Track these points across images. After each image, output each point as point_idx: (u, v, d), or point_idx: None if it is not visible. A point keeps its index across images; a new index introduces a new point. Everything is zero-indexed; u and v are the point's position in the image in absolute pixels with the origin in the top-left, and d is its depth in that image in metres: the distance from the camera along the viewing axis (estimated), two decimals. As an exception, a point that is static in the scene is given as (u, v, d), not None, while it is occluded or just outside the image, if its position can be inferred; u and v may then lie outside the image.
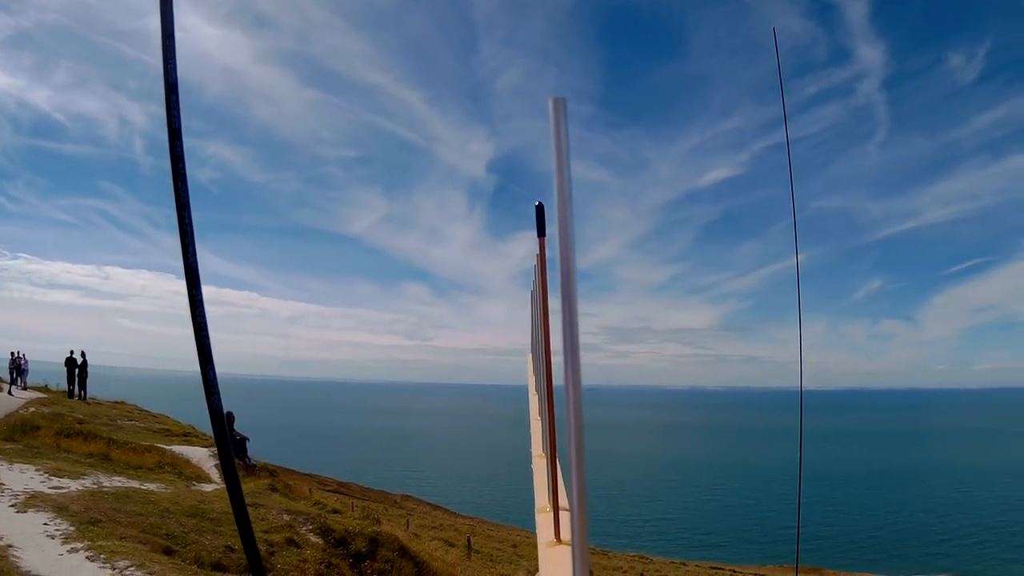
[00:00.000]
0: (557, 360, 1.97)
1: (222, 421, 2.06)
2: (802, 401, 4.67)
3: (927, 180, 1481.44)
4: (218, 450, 2.10)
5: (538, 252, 2.91)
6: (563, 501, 3.31)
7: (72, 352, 40.53)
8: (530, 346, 5.33)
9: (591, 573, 1.88)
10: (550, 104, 1.64)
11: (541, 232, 2.74)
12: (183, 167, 1.98)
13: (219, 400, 2.07)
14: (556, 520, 3.24)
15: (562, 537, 3.16)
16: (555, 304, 1.78)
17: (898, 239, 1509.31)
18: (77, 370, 40.49)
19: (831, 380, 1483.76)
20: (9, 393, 39.72)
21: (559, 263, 1.62)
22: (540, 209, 2.68)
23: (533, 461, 4.36)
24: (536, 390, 5.07)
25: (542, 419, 4.27)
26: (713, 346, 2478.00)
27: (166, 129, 2.02)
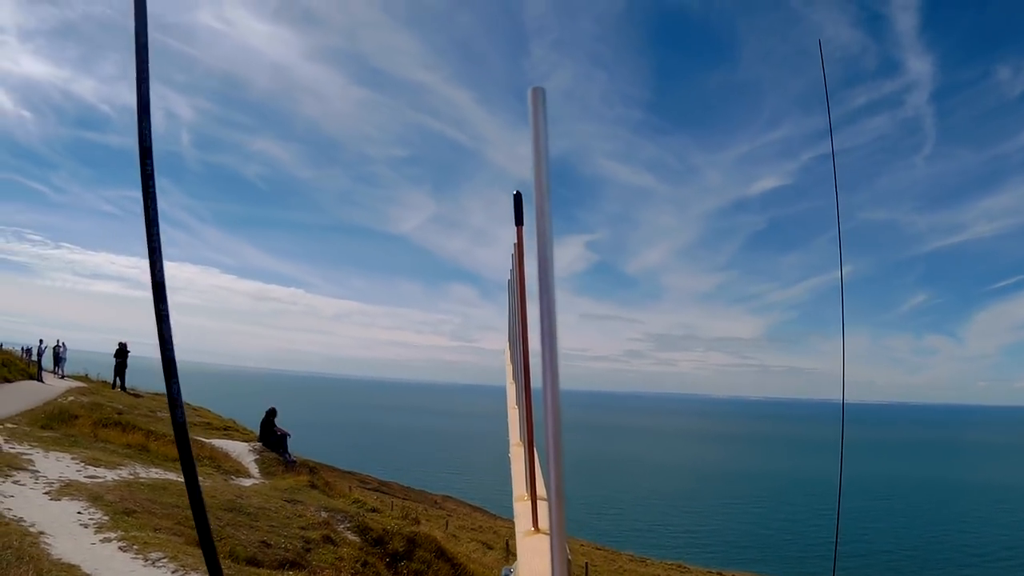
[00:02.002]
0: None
1: (185, 433, 2.13)
2: (844, 415, 4.49)
3: (973, 194, 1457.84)
4: (182, 464, 2.15)
5: (516, 241, 2.94)
6: (541, 490, 3.30)
7: (121, 344, 40.70)
8: (507, 335, 5.42)
9: (569, 562, 1.89)
10: (530, 94, 1.63)
11: (519, 221, 2.74)
12: (153, 185, 1.99)
13: (182, 414, 2.11)
14: (534, 509, 3.24)
15: (540, 526, 3.16)
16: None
17: (943, 253, 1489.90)
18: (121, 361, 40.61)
19: (873, 393, 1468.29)
20: (39, 380, 39.92)
21: (537, 252, 1.64)
22: (518, 198, 2.68)
23: (511, 450, 4.40)
24: (513, 379, 5.04)
25: (519, 408, 4.22)
26: (757, 356, 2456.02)
27: (138, 147, 1.99)
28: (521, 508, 3.44)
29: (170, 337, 2.03)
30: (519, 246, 2.94)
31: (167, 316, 2.04)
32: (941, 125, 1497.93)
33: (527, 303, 3.32)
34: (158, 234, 2.00)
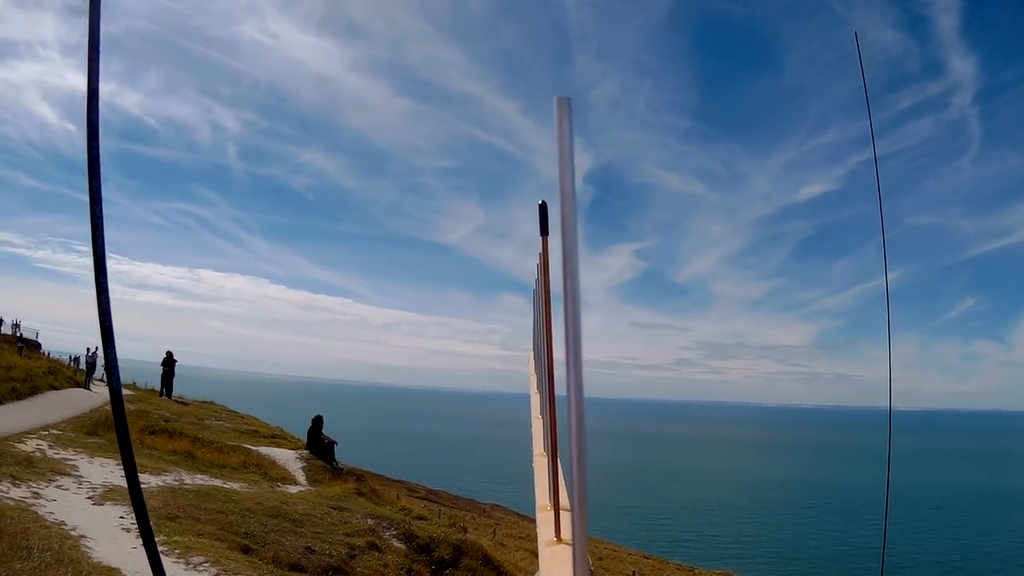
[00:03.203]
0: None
1: (120, 400, 2.16)
2: (891, 423, 4.56)
3: (1019, 196, 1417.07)
4: (116, 422, 2.13)
5: (541, 251, 2.96)
6: (564, 500, 3.32)
7: (168, 353, 41.31)
8: (532, 345, 5.53)
9: (591, 573, 1.94)
10: (555, 103, 1.69)
11: (544, 231, 2.78)
12: (99, 165, 2.12)
13: (119, 379, 2.17)
14: (557, 519, 3.27)
15: (563, 536, 3.18)
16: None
17: (991, 257, 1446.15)
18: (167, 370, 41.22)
19: (921, 400, 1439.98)
20: (87, 388, 40.42)
21: (562, 262, 1.70)
22: (543, 208, 2.73)
23: (534, 460, 4.46)
24: (537, 389, 5.17)
25: (543, 418, 4.33)
26: (806, 364, 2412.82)
27: (86, 131, 2.10)
28: (544, 518, 3.48)
29: (109, 308, 2.11)
30: (544, 256, 2.98)
31: (107, 288, 2.14)
32: (986, 127, 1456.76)
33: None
34: (102, 212, 2.09)
